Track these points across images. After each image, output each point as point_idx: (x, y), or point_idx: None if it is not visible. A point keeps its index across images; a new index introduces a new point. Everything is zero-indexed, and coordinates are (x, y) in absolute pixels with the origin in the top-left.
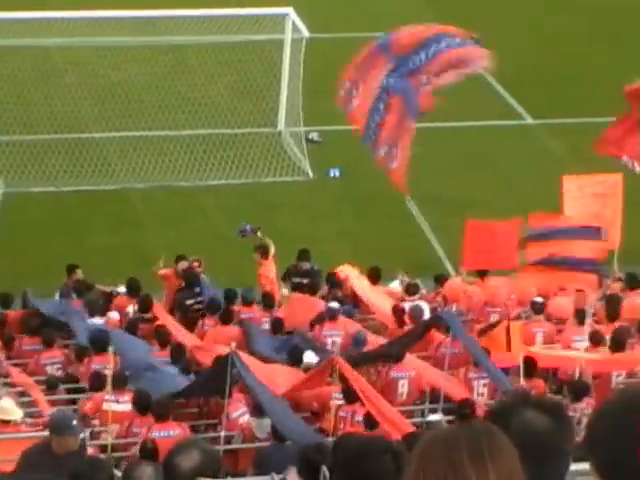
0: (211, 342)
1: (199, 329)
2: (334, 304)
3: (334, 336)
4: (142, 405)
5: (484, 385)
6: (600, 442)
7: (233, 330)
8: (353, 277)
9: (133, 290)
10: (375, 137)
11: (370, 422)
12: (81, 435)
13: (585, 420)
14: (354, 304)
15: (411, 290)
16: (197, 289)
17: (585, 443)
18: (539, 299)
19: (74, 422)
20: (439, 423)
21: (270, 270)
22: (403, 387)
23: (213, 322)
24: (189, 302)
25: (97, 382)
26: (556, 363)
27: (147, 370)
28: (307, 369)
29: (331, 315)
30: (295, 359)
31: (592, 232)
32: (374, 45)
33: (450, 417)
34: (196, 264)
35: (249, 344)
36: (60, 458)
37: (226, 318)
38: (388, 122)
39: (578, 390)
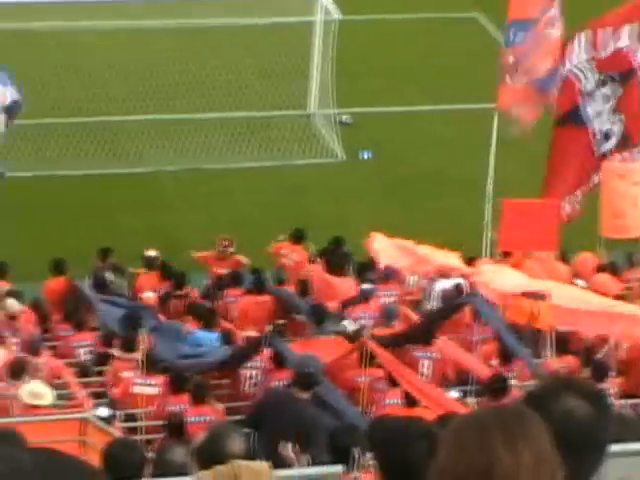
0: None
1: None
2: (367, 286)
3: (366, 318)
4: (177, 384)
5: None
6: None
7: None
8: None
9: (166, 270)
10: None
11: (409, 401)
12: None
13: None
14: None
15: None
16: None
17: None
18: None
19: None
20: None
21: None
22: (424, 367)
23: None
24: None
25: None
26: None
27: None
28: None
29: (364, 296)
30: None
31: None
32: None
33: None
34: (226, 243)
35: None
36: None
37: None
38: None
39: (601, 369)
